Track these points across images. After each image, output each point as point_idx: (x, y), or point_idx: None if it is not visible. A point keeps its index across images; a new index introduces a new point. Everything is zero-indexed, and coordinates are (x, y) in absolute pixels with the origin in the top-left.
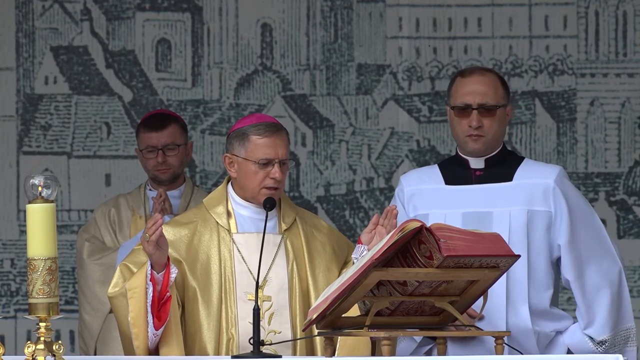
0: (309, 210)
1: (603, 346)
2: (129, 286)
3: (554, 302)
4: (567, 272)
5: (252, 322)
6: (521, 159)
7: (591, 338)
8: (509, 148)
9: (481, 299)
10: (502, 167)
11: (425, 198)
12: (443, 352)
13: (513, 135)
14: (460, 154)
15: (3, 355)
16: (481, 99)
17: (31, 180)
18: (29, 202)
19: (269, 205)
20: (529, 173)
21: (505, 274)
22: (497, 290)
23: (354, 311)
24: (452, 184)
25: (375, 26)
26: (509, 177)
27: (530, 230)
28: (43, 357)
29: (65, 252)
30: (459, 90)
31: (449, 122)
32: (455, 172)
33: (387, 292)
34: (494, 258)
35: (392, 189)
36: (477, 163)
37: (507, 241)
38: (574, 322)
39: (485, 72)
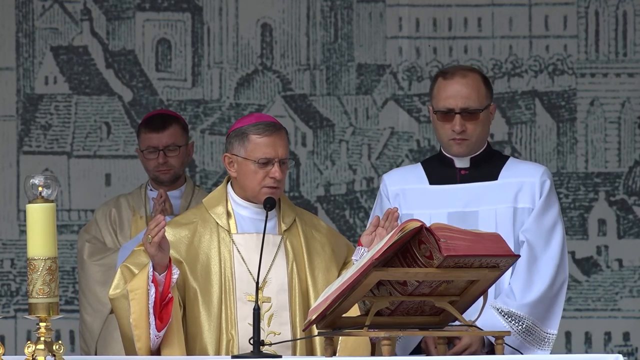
0: (309, 211)
1: (512, 323)
2: (131, 288)
3: None
4: (524, 250)
5: (251, 323)
6: (506, 157)
7: (499, 310)
8: (509, 148)
9: (481, 299)
10: (487, 166)
11: (409, 198)
12: (443, 352)
13: (513, 135)
14: (445, 153)
15: (3, 355)
16: (463, 103)
17: (31, 180)
18: (29, 202)
19: (269, 205)
20: (514, 172)
21: None
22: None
23: (354, 311)
24: (436, 183)
25: (375, 26)
26: (494, 176)
27: (515, 228)
28: (43, 357)
29: (65, 252)
30: (441, 93)
31: (432, 123)
32: (440, 171)
33: (387, 292)
34: (494, 258)
35: None
36: (462, 162)
37: None
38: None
39: (467, 73)
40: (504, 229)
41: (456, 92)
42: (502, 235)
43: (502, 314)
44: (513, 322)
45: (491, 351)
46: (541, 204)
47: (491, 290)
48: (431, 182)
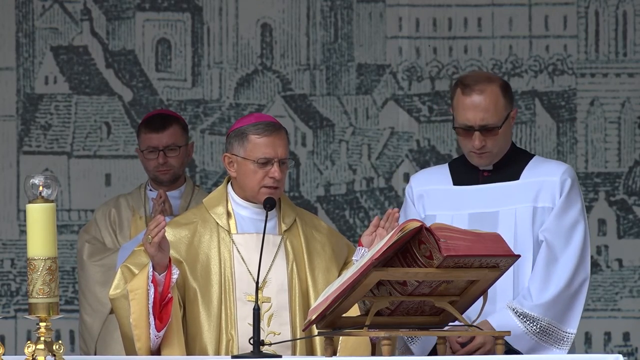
0: (309, 211)
1: (527, 324)
2: (131, 288)
3: None
4: (542, 249)
5: (251, 323)
6: (530, 156)
7: (515, 310)
8: None
9: (481, 299)
10: (510, 167)
11: (432, 199)
12: (443, 352)
13: (513, 135)
14: None
15: (3, 355)
16: (482, 120)
17: (31, 180)
18: (29, 202)
19: (269, 205)
20: (536, 171)
21: (512, 273)
22: (504, 288)
23: (354, 311)
24: (460, 184)
25: (375, 26)
26: (516, 176)
27: (535, 227)
28: (43, 357)
29: (65, 252)
30: (459, 108)
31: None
32: (464, 172)
33: (387, 292)
34: (494, 258)
35: (392, 189)
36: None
37: (513, 240)
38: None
39: (485, 87)
40: (523, 228)
41: (474, 109)
42: (521, 235)
43: (517, 314)
44: (528, 322)
45: (508, 350)
46: (561, 203)
47: (510, 290)
48: (455, 183)
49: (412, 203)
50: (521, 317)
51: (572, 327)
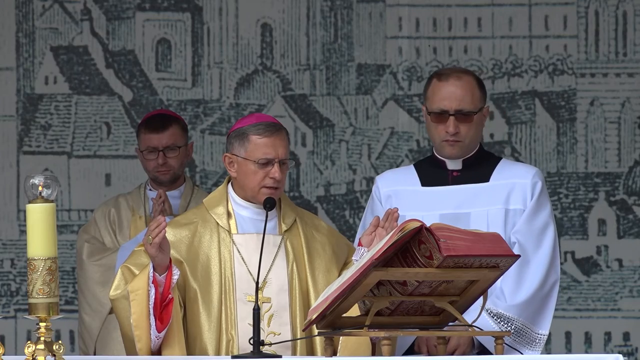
0: (309, 211)
1: (501, 324)
2: (131, 288)
3: None
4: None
5: (251, 323)
6: (498, 159)
7: (488, 311)
8: (509, 148)
9: (481, 299)
10: (479, 168)
11: (401, 200)
12: (443, 352)
13: (513, 135)
14: (437, 155)
15: (3, 355)
16: (458, 105)
17: (31, 180)
18: (29, 202)
19: (269, 205)
20: (506, 173)
21: None
22: None
23: (354, 311)
24: (428, 185)
25: (375, 26)
26: (485, 178)
27: (507, 229)
28: (43, 357)
29: (65, 252)
30: (435, 95)
31: (426, 123)
32: (432, 173)
33: (387, 292)
34: (493, 258)
35: None
36: (454, 164)
37: None
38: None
39: (462, 76)
40: (496, 230)
41: (451, 94)
42: None
43: (492, 315)
44: (502, 323)
45: (482, 352)
46: (532, 205)
47: None
48: (423, 184)
49: (380, 202)
50: (495, 317)
51: (544, 329)
